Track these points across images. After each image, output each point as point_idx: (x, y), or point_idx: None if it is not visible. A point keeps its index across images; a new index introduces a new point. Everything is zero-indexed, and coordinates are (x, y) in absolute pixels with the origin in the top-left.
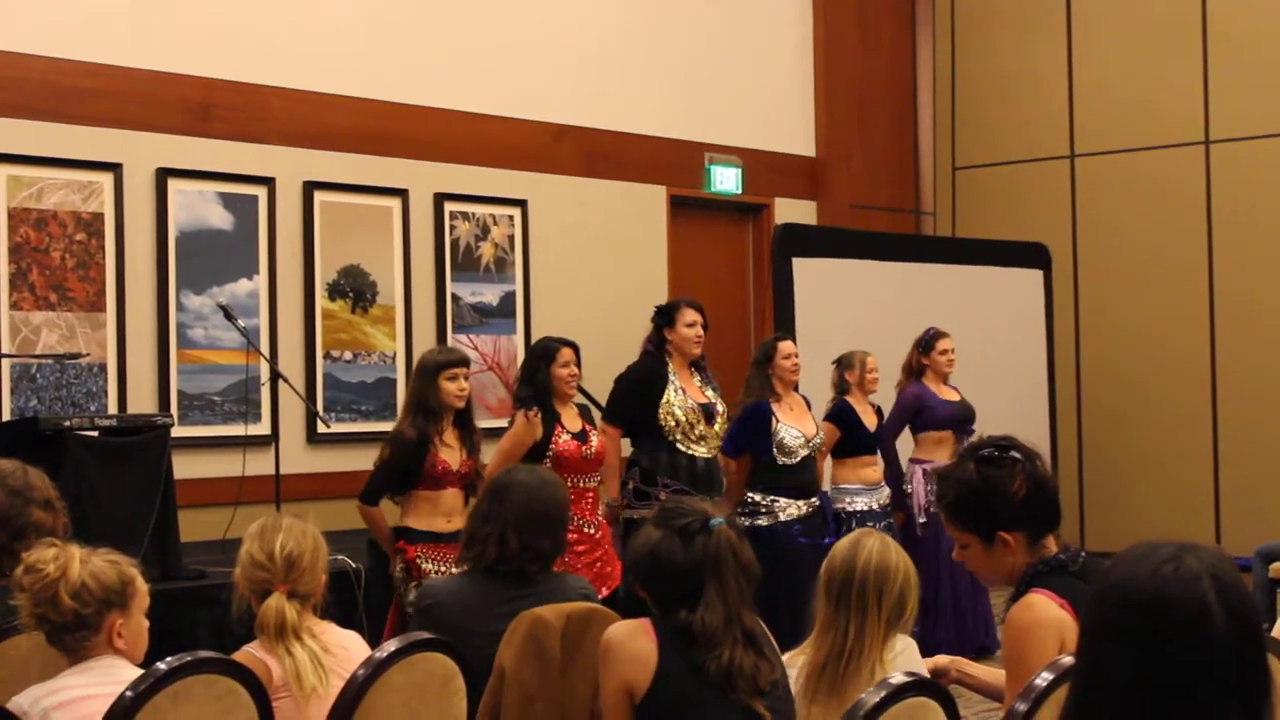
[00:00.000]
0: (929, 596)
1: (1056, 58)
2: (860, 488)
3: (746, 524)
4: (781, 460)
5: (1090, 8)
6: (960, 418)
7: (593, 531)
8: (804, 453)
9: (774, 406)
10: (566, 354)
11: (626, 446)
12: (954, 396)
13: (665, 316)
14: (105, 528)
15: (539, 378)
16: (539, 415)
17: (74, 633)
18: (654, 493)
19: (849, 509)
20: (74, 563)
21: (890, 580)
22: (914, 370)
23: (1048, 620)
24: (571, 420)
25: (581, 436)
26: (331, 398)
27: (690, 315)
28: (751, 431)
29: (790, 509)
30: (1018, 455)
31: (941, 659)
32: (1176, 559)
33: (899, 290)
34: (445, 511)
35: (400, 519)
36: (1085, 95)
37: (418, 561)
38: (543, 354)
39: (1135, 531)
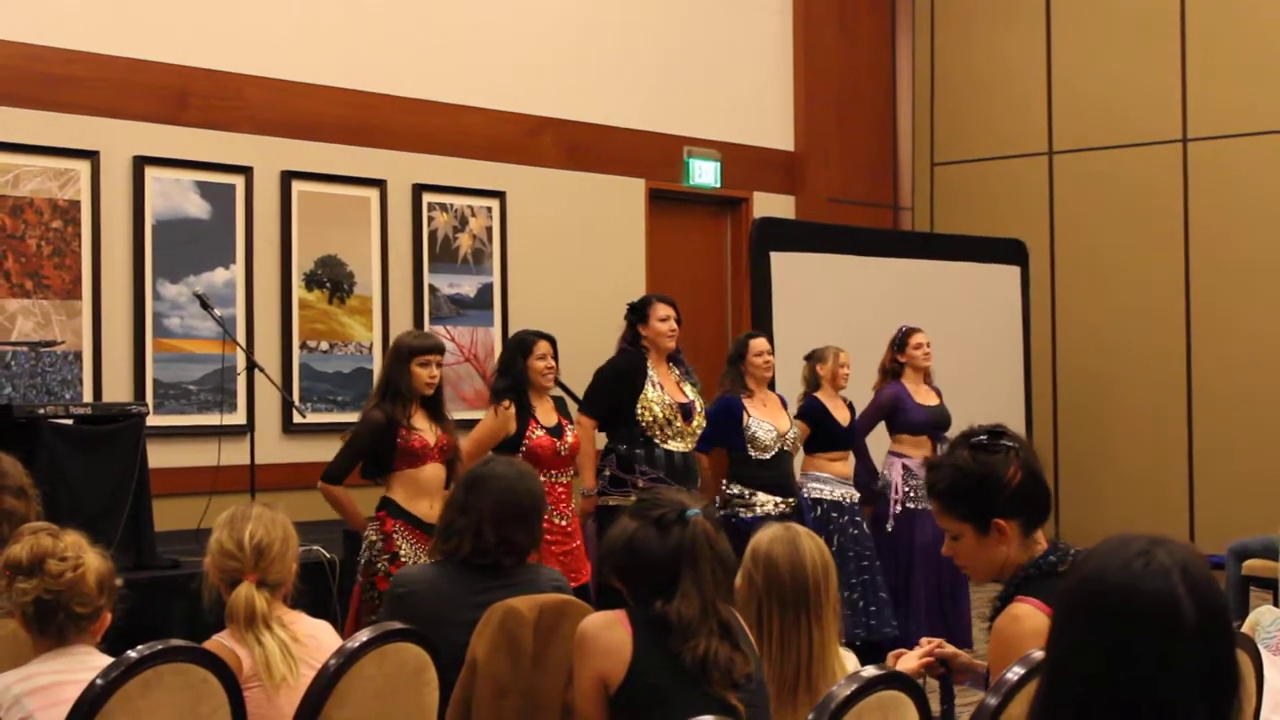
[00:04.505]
0: (901, 593)
1: (1035, 54)
2: (830, 478)
3: (722, 514)
4: (756, 455)
5: (1069, 5)
6: (935, 423)
7: (564, 524)
8: (778, 447)
9: (745, 402)
10: (543, 346)
11: (601, 440)
12: (932, 400)
13: (638, 313)
14: (79, 516)
15: (515, 370)
16: (512, 409)
17: (80, 622)
18: (631, 480)
19: (816, 495)
20: (90, 553)
21: (832, 574)
22: (891, 371)
23: (1033, 633)
24: (546, 414)
25: (556, 431)
26: (308, 388)
27: (663, 310)
28: (722, 426)
29: (768, 505)
30: (1010, 443)
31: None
32: (1147, 553)
33: (876, 285)
34: (428, 494)
35: (385, 493)
36: (1063, 92)
37: (394, 536)
38: (519, 346)
39: (1109, 528)
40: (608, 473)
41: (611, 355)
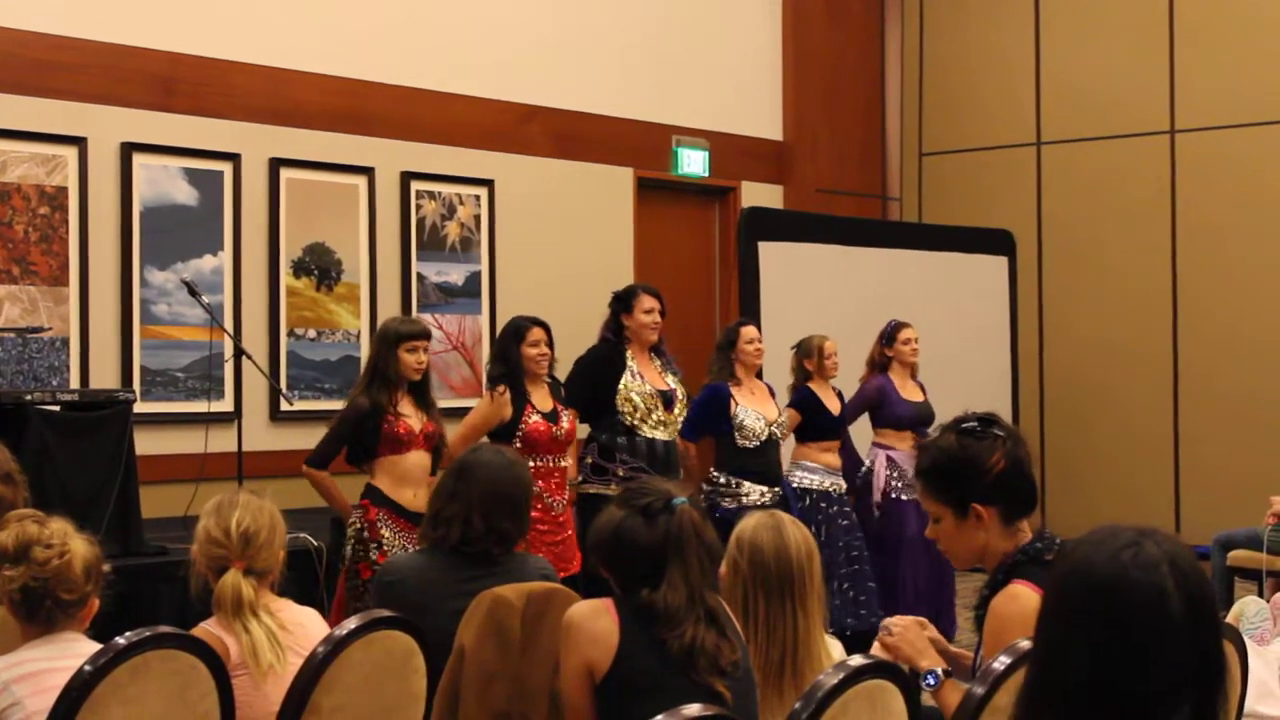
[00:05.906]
0: (888, 582)
1: (1024, 45)
2: (819, 468)
3: (705, 504)
4: (742, 443)
5: None
6: (918, 420)
7: (558, 512)
8: (765, 434)
9: (733, 390)
10: (537, 333)
11: (583, 430)
12: (917, 397)
13: (623, 303)
14: (66, 503)
15: (510, 356)
16: (507, 394)
17: (68, 609)
18: (612, 468)
19: (804, 485)
20: (76, 540)
21: (816, 561)
22: (878, 364)
23: (1032, 613)
24: (543, 400)
25: (552, 416)
26: (295, 375)
27: (648, 302)
28: (710, 414)
29: (753, 494)
30: (1000, 432)
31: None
32: (1136, 544)
33: (864, 275)
34: (412, 481)
35: (369, 480)
36: (1052, 83)
37: (377, 524)
38: (514, 333)
39: (1095, 519)
40: (589, 461)
41: (593, 345)
